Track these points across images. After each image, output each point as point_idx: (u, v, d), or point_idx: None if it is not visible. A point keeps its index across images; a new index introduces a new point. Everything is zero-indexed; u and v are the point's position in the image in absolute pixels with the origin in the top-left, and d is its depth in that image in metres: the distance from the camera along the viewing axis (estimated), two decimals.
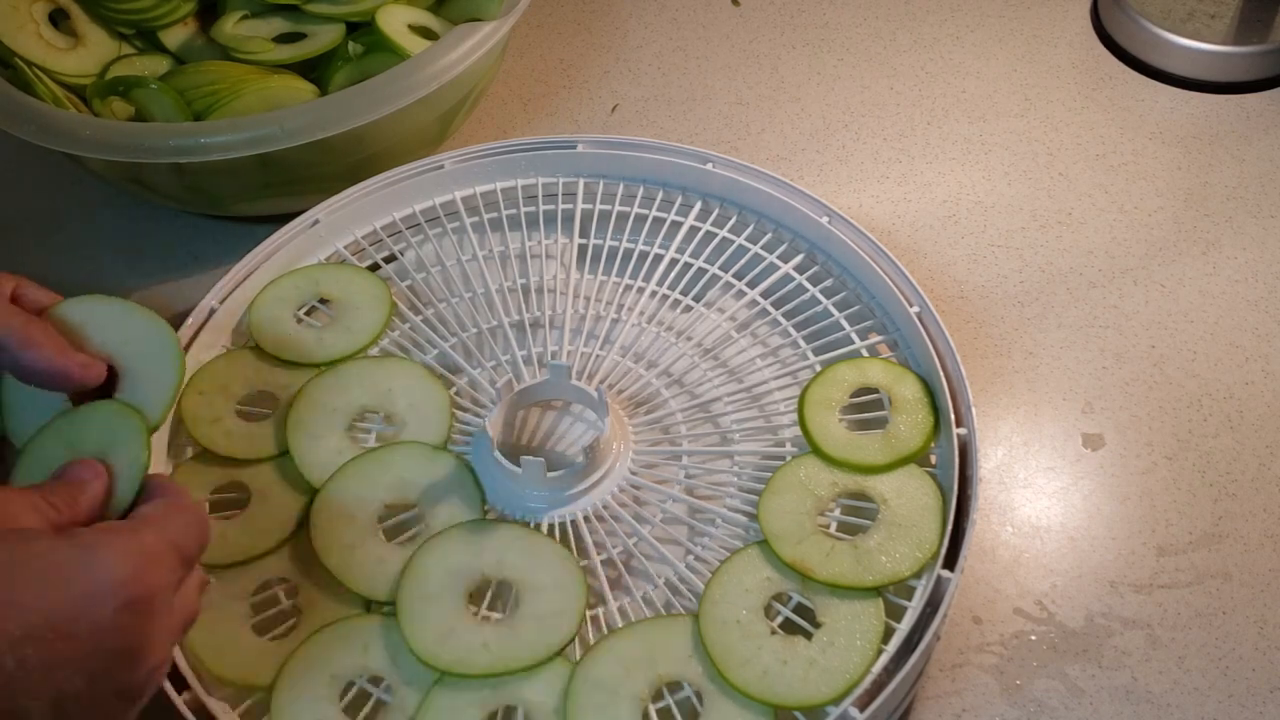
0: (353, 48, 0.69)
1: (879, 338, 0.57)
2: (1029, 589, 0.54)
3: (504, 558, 0.49)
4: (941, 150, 0.73)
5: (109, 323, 0.49)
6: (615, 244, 0.62)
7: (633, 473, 0.53)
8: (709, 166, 0.62)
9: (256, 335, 0.57)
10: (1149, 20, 0.76)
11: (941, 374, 0.54)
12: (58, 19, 0.70)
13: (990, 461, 0.59)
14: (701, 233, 0.62)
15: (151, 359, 0.48)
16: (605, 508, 0.52)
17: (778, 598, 0.48)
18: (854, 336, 0.57)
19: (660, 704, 0.46)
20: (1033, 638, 0.53)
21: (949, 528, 0.49)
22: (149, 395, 0.48)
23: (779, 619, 0.48)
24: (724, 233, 0.62)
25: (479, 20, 0.66)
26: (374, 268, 0.62)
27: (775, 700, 0.45)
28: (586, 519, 0.52)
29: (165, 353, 0.49)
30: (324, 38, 0.70)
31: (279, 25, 0.71)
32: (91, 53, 0.70)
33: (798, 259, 0.60)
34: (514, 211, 0.63)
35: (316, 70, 0.70)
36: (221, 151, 0.60)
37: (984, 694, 0.51)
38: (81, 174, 0.73)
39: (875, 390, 0.54)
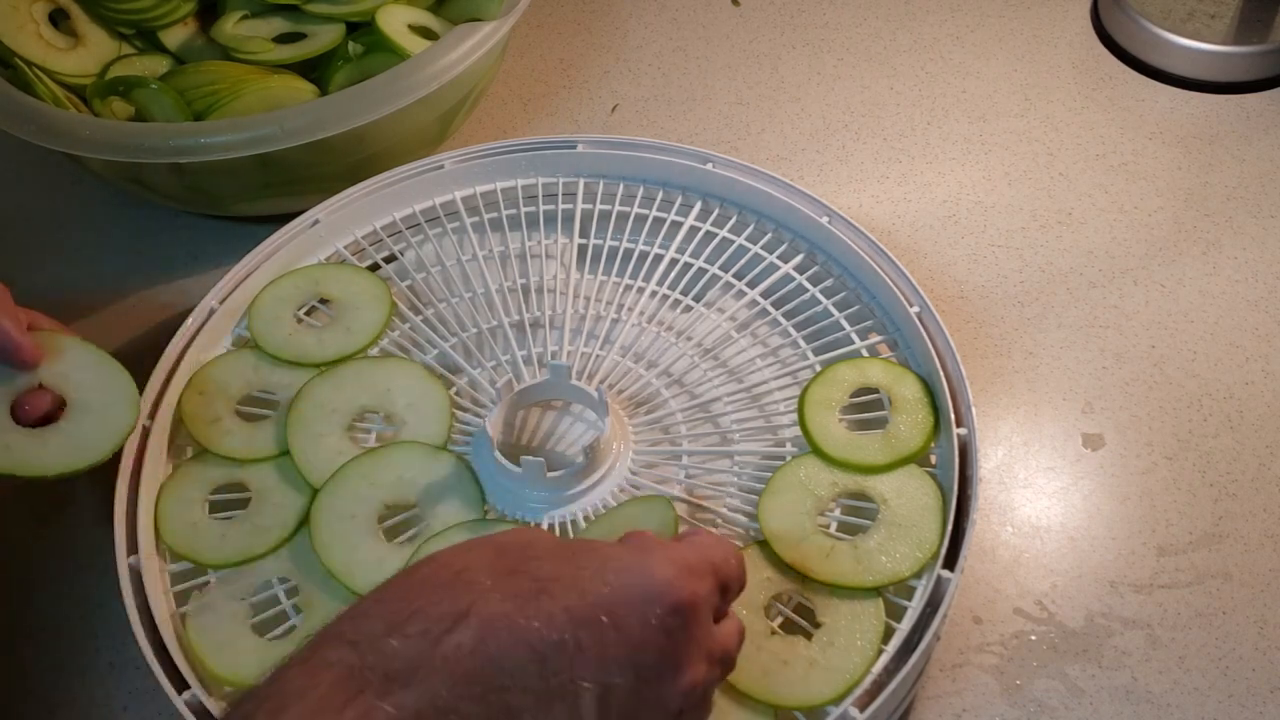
0: (353, 48, 0.69)
1: (879, 338, 0.57)
2: (1029, 589, 0.54)
3: None
4: (941, 150, 0.73)
5: (76, 360, 0.52)
6: (615, 244, 0.62)
7: (633, 473, 0.53)
8: (709, 166, 0.62)
9: (256, 335, 0.57)
10: (1149, 20, 0.76)
11: (941, 374, 0.54)
12: (58, 19, 0.70)
13: (990, 461, 0.59)
14: (701, 233, 0.62)
15: (107, 398, 0.51)
16: (605, 508, 0.52)
17: (778, 598, 0.48)
18: (854, 336, 0.57)
19: None
20: (1033, 638, 0.53)
21: (949, 528, 0.49)
22: (97, 431, 0.50)
23: (779, 619, 0.48)
24: (724, 233, 0.62)
25: (479, 20, 0.66)
26: (374, 268, 0.62)
27: (775, 700, 0.45)
28: (587, 519, 0.52)
29: (122, 397, 0.51)
30: (324, 38, 0.70)
31: (279, 25, 0.71)
32: (91, 53, 0.70)
33: (798, 259, 0.60)
34: (514, 211, 0.63)
35: (316, 70, 0.70)
36: (221, 151, 0.60)
37: (984, 694, 0.51)
38: (81, 174, 0.73)
39: (875, 390, 0.54)
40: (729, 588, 0.40)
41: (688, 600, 0.37)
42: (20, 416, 0.50)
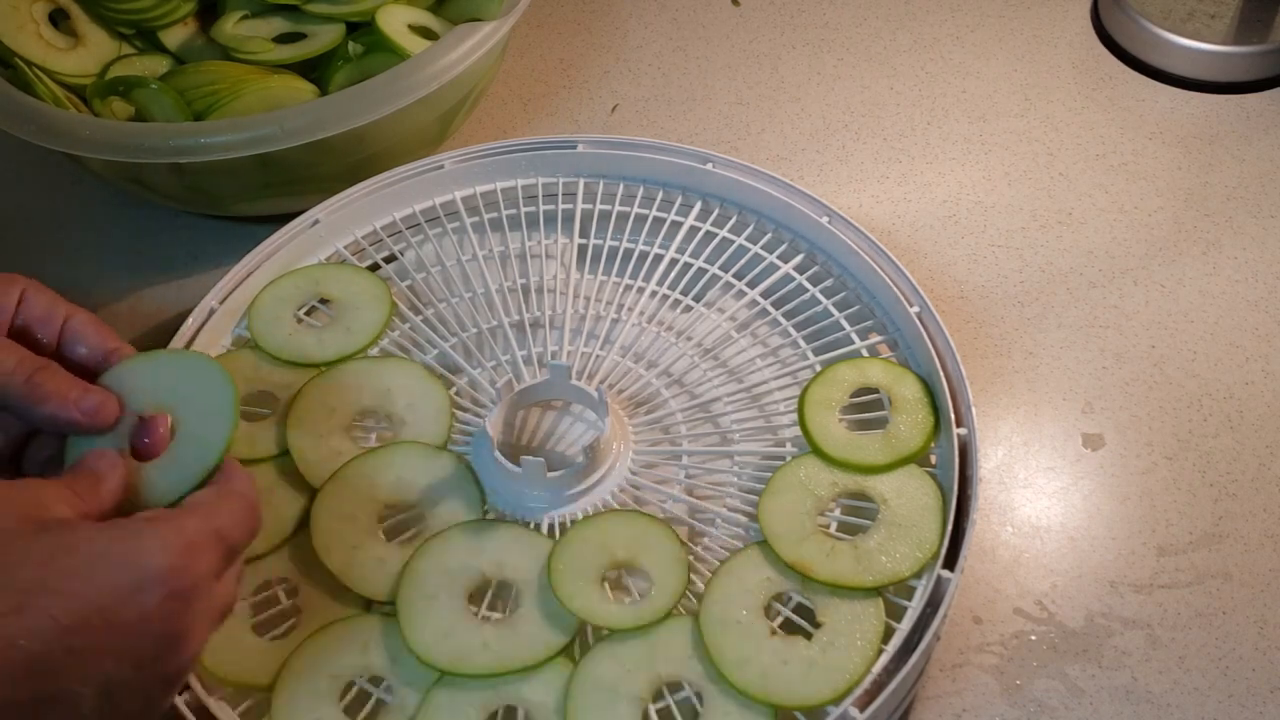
0: (353, 48, 0.69)
1: (879, 338, 0.57)
2: (1029, 589, 0.54)
3: (504, 558, 0.49)
4: (941, 150, 0.73)
5: (164, 375, 0.47)
6: (615, 244, 0.62)
7: (633, 473, 0.53)
8: (709, 166, 0.62)
9: (256, 335, 0.57)
10: (1149, 20, 0.76)
11: (941, 374, 0.54)
12: (58, 19, 0.70)
13: (990, 461, 0.59)
14: (701, 233, 0.62)
15: (206, 412, 0.46)
16: (605, 508, 0.52)
17: (778, 598, 0.48)
18: (854, 336, 0.57)
19: (660, 704, 0.46)
20: (1033, 638, 0.53)
21: (949, 528, 0.49)
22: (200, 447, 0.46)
23: (779, 619, 0.48)
24: (724, 233, 0.62)
25: (479, 20, 0.66)
26: (374, 268, 0.62)
27: (775, 700, 0.45)
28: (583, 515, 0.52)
29: (221, 407, 0.46)
30: (324, 38, 0.70)
31: (279, 25, 0.71)
32: (91, 53, 0.70)
33: (798, 259, 0.60)
34: (514, 211, 0.63)
35: (316, 70, 0.70)
36: (221, 151, 0.60)
37: (984, 694, 0.51)
38: (81, 174, 0.73)
39: (875, 390, 0.54)
40: (237, 548, 0.40)
41: (187, 586, 0.37)
42: (144, 453, 0.44)
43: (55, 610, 0.34)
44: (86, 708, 0.35)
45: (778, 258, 0.60)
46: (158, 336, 0.65)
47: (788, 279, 0.60)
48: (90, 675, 0.35)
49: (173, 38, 0.71)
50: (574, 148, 0.64)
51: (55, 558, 0.35)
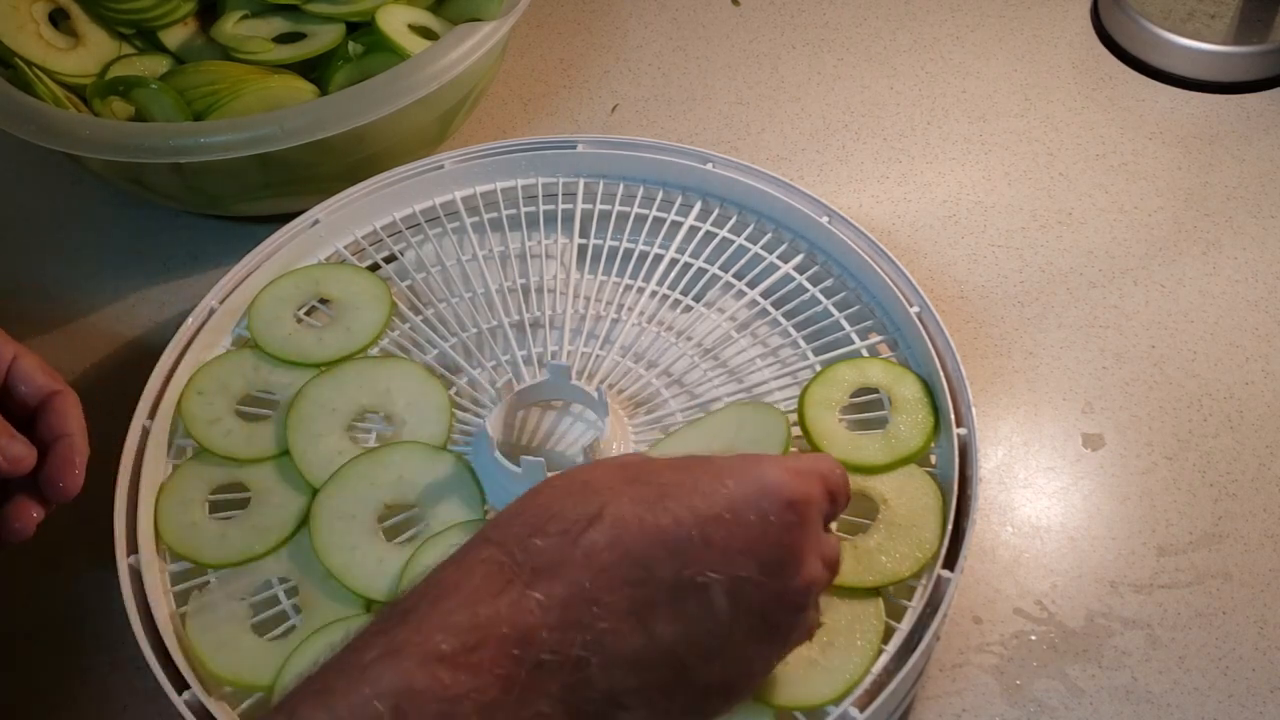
0: (353, 48, 0.69)
1: (879, 338, 0.57)
2: (1029, 589, 0.54)
3: None
4: (941, 150, 0.73)
5: None
6: (615, 244, 0.62)
7: None
8: (709, 166, 0.62)
9: (256, 335, 0.57)
10: (1149, 20, 0.76)
11: (941, 374, 0.54)
12: (58, 19, 0.70)
13: (990, 461, 0.59)
14: (701, 233, 0.62)
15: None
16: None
17: None
18: (854, 336, 0.57)
19: None
20: (1033, 638, 0.53)
21: (949, 528, 0.49)
22: None
23: None
24: (724, 233, 0.62)
25: (479, 20, 0.66)
26: (374, 268, 0.62)
27: (775, 700, 0.45)
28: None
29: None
30: (324, 38, 0.70)
31: (279, 25, 0.71)
32: (91, 53, 0.69)
33: (798, 259, 0.60)
34: (514, 211, 0.63)
35: (316, 70, 0.70)
36: (221, 151, 0.60)
37: (984, 694, 0.51)
38: (81, 174, 0.73)
39: (875, 390, 0.54)
40: (837, 496, 0.42)
41: (801, 497, 0.40)
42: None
43: (692, 501, 0.38)
44: (718, 602, 0.38)
45: (778, 258, 0.60)
46: (158, 336, 0.65)
47: (788, 279, 0.60)
48: (721, 566, 0.38)
49: (172, 38, 0.71)
50: (574, 148, 0.64)
51: (689, 469, 0.40)
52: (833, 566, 0.42)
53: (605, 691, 0.36)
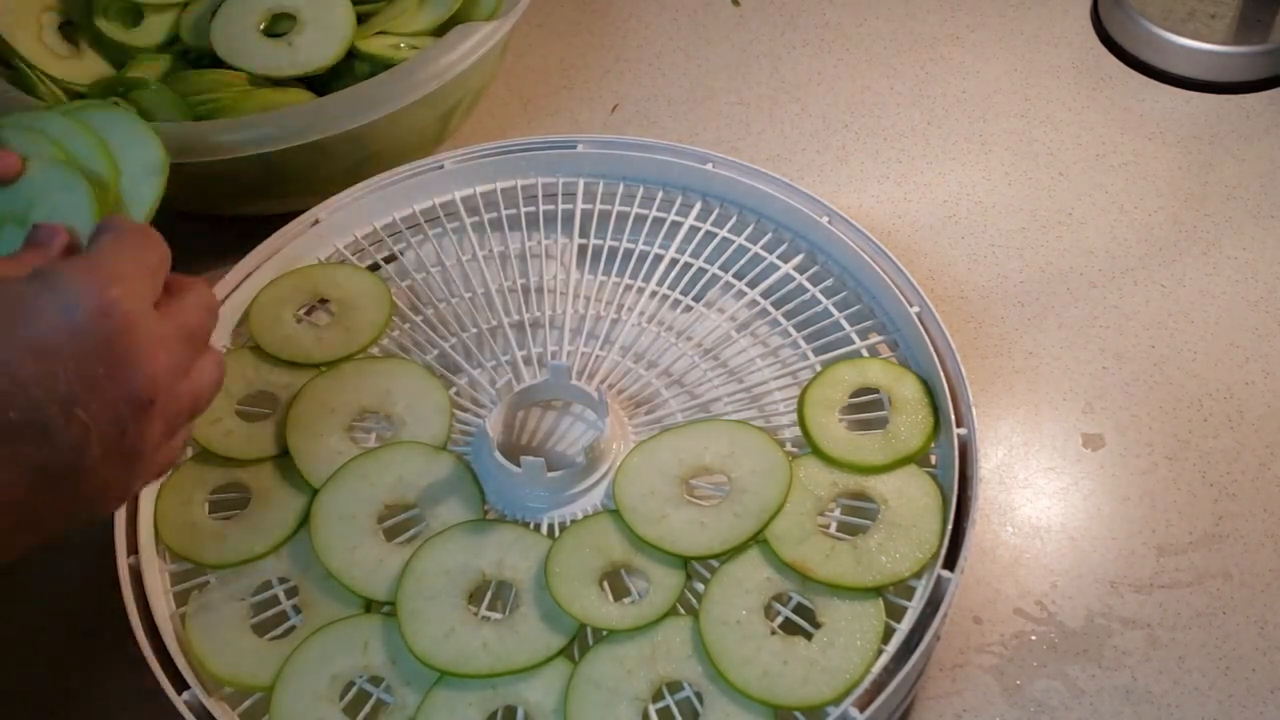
0: (359, 67, 0.69)
1: (879, 338, 0.57)
2: (1029, 589, 0.54)
3: (504, 558, 0.49)
4: (941, 150, 0.73)
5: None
6: (615, 244, 0.62)
7: None
8: (709, 166, 0.62)
9: (256, 335, 0.57)
10: (1149, 20, 0.76)
11: (941, 374, 0.54)
12: (68, 29, 0.70)
13: (990, 461, 0.59)
14: (701, 233, 0.62)
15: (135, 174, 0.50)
16: (605, 508, 0.52)
17: (778, 598, 0.48)
18: (854, 336, 0.57)
19: (660, 704, 0.46)
20: (1033, 638, 0.53)
21: (949, 528, 0.49)
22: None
23: (779, 619, 0.48)
24: (724, 233, 0.62)
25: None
26: (374, 268, 0.62)
27: (775, 700, 0.45)
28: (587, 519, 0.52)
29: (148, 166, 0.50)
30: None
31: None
32: (87, 67, 0.70)
33: (798, 259, 0.60)
34: (514, 211, 0.63)
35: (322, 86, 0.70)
36: (221, 151, 0.60)
37: (984, 694, 0.51)
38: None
39: (875, 390, 0.54)
40: (154, 270, 0.41)
41: (111, 300, 0.38)
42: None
43: (6, 349, 0.36)
44: (55, 428, 0.36)
45: (778, 258, 0.60)
46: None
47: (788, 279, 0.60)
48: (47, 400, 0.36)
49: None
50: (574, 148, 0.64)
51: None
52: (196, 338, 0.42)
53: None
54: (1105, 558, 0.55)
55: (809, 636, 0.47)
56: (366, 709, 0.46)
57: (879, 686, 0.45)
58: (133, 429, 0.39)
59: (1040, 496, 0.58)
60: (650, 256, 0.62)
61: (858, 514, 0.51)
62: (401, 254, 0.63)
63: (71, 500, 0.38)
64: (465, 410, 0.56)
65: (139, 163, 0.51)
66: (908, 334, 0.56)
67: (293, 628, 0.49)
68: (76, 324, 0.37)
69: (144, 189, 0.51)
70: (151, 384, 0.39)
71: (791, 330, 0.58)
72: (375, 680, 0.47)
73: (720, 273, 0.61)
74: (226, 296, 0.58)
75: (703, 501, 0.51)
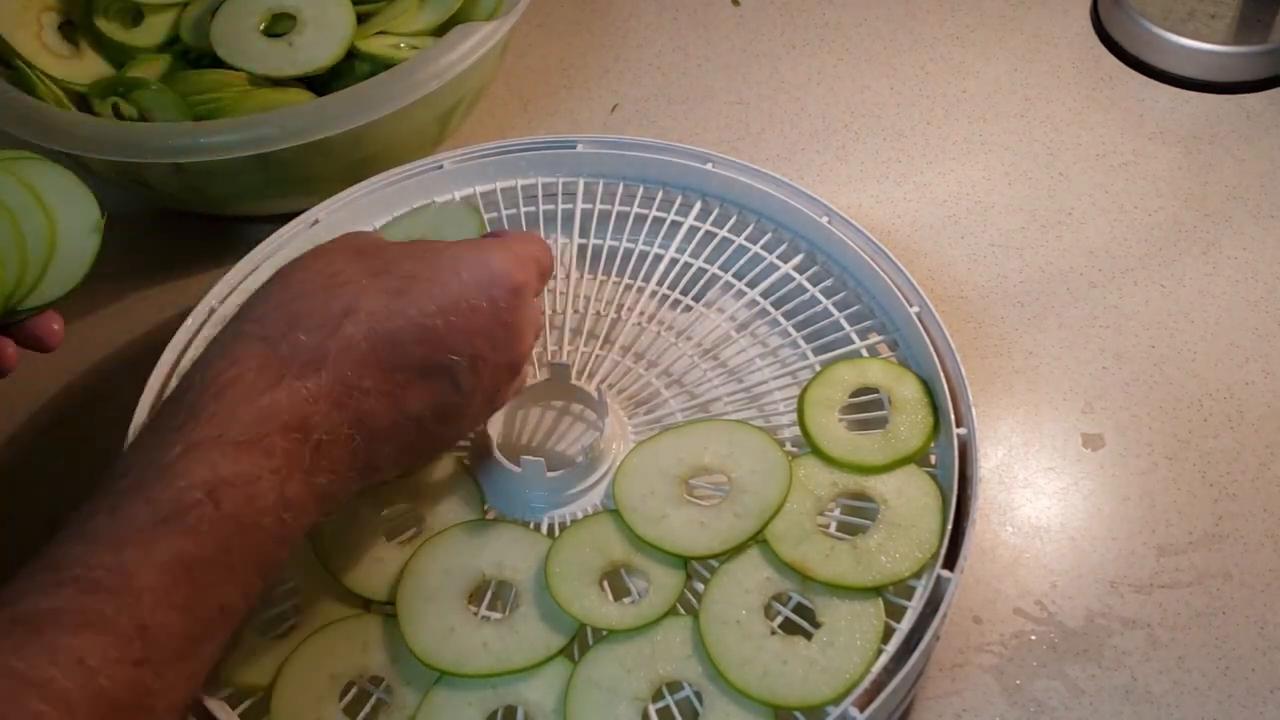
0: (359, 67, 0.69)
1: (879, 338, 0.57)
2: (1029, 589, 0.54)
3: (504, 558, 0.49)
4: (941, 150, 0.73)
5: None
6: (615, 244, 0.62)
7: None
8: (709, 166, 0.62)
9: None
10: (1149, 20, 0.76)
11: (941, 374, 0.54)
12: (68, 29, 0.70)
13: (990, 461, 0.59)
14: (701, 233, 0.62)
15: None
16: (605, 508, 0.52)
17: (778, 598, 0.48)
18: (854, 336, 0.57)
19: (660, 704, 0.46)
20: (1033, 638, 0.53)
21: (949, 528, 0.49)
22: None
23: (779, 619, 0.48)
24: (724, 233, 0.62)
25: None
26: None
27: (775, 700, 0.45)
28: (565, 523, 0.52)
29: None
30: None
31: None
32: (87, 68, 0.70)
33: (798, 259, 0.60)
34: (514, 211, 0.63)
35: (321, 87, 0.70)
36: (221, 151, 0.60)
37: (984, 694, 0.51)
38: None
39: (875, 390, 0.54)
40: (545, 273, 0.50)
41: (523, 283, 0.47)
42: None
43: (434, 290, 0.44)
44: (461, 377, 0.45)
45: (778, 258, 0.60)
46: (158, 336, 0.65)
47: (788, 279, 0.60)
48: (462, 347, 0.44)
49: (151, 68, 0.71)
50: (574, 148, 0.64)
51: (426, 257, 0.46)
52: (538, 332, 0.51)
53: (368, 456, 0.43)
54: (1105, 558, 0.55)
55: (809, 636, 0.47)
56: (366, 709, 0.46)
57: (879, 686, 0.45)
58: (503, 391, 0.48)
59: (1040, 496, 0.58)
60: (650, 256, 0.62)
61: (857, 514, 0.51)
62: None
63: (443, 438, 0.48)
64: None
65: (77, 220, 0.51)
66: (908, 334, 0.56)
67: (293, 627, 0.49)
68: (495, 296, 0.45)
69: (83, 246, 0.51)
70: (523, 358, 0.48)
71: (791, 330, 0.58)
72: (375, 680, 0.47)
73: (720, 273, 0.61)
74: (227, 296, 0.58)
75: (703, 501, 0.51)
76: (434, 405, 0.44)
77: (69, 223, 0.51)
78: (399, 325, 0.43)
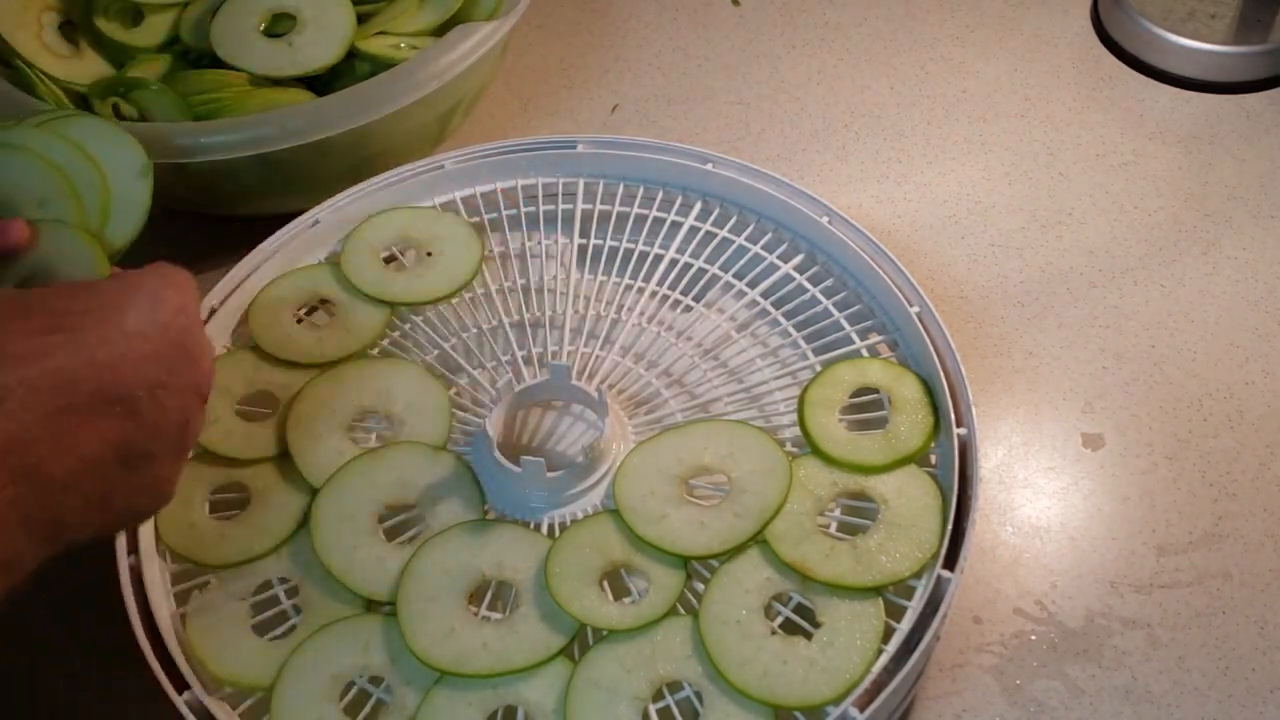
0: (359, 67, 0.69)
1: (879, 338, 0.57)
2: (1029, 589, 0.55)
3: (504, 558, 0.49)
4: (941, 150, 0.73)
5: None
6: (615, 244, 0.62)
7: None
8: (709, 166, 0.62)
9: (256, 335, 0.57)
10: (1149, 20, 0.76)
11: (941, 374, 0.54)
12: (68, 29, 0.70)
13: (990, 461, 0.59)
14: (701, 233, 0.62)
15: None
16: (605, 508, 0.52)
17: (778, 598, 0.48)
18: (854, 336, 0.57)
19: (660, 704, 0.46)
20: (1033, 638, 0.53)
21: (949, 528, 0.49)
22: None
23: (779, 619, 0.48)
24: (724, 233, 0.62)
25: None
26: None
27: (775, 700, 0.45)
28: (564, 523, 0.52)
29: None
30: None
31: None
32: (87, 67, 0.70)
33: (798, 259, 0.60)
34: (514, 211, 0.63)
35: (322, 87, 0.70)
36: (221, 151, 0.60)
37: (984, 694, 0.51)
38: None
39: (875, 390, 0.54)
40: (197, 296, 0.46)
41: (185, 304, 0.44)
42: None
43: (93, 323, 0.41)
44: (141, 408, 0.41)
45: (778, 258, 0.60)
46: None
47: (788, 279, 0.60)
48: (135, 376, 0.41)
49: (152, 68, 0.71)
50: (574, 148, 0.64)
51: (77, 295, 0.43)
52: (213, 355, 0.47)
53: (48, 513, 0.38)
54: (1105, 558, 0.55)
55: (809, 636, 0.47)
56: (366, 709, 0.46)
57: (879, 686, 0.45)
58: (193, 421, 0.44)
59: (1040, 496, 0.58)
60: (650, 256, 0.62)
61: (858, 514, 0.51)
62: (401, 254, 0.63)
63: (138, 486, 0.42)
64: (465, 410, 0.56)
65: (124, 167, 0.53)
66: (908, 334, 0.56)
67: (293, 628, 0.49)
68: (160, 319, 0.42)
69: (135, 190, 0.52)
70: (207, 379, 0.45)
71: (791, 330, 0.58)
72: (375, 680, 0.47)
73: (720, 273, 0.61)
74: (227, 296, 0.58)
75: (703, 501, 0.51)
76: (115, 445, 0.40)
77: (117, 170, 0.53)
78: (60, 363, 0.39)
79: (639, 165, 0.63)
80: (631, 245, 0.62)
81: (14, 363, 0.39)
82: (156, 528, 0.51)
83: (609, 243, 0.62)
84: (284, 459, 0.53)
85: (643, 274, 0.61)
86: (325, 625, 0.48)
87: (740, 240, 0.61)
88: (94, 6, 0.71)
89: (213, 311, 0.58)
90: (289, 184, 0.66)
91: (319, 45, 0.68)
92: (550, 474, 0.51)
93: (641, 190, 0.63)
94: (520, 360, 0.57)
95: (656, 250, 0.62)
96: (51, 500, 0.39)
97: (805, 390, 0.54)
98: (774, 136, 0.74)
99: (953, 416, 0.52)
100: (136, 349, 0.41)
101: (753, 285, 0.60)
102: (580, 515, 0.52)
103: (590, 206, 0.63)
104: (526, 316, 0.60)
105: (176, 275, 0.45)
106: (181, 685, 0.46)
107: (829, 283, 0.60)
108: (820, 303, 0.59)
